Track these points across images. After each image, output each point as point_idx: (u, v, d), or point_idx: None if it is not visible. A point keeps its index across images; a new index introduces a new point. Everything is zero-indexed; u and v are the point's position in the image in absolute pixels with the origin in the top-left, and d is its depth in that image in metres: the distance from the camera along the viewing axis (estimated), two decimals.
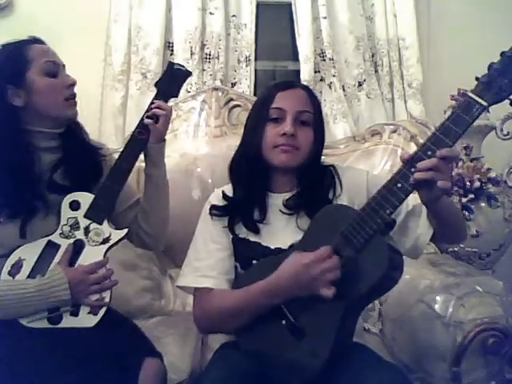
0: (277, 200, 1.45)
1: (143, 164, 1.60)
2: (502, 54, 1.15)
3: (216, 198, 1.51)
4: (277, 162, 1.41)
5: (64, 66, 1.52)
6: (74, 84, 1.51)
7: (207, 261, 1.43)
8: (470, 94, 1.15)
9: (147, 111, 1.56)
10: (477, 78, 1.17)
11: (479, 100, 1.14)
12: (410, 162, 1.19)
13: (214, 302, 1.37)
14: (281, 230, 1.42)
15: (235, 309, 1.34)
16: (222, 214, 1.46)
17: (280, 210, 1.43)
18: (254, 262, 1.40)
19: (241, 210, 1.45)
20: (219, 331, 1.48)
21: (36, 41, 1.50)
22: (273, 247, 1.39)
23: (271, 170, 1.47)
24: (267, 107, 1.43)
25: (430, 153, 1.17)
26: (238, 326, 1.35)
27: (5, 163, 1.41)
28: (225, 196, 1.49)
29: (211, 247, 1.44)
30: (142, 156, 1.57)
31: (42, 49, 1.49)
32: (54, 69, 1.47)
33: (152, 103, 1.57)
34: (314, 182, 1.44)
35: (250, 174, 1.45)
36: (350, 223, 1.23)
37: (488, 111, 2.30)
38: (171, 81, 1.62)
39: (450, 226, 1.37)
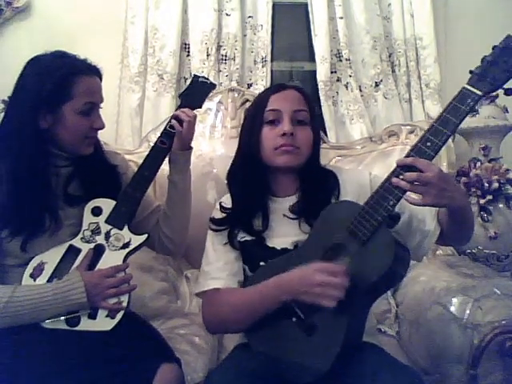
0: (280, 204, 1.46)
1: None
2: (494, 47, 1.20)
3: (228, 201, 1.52)
4: (279, 162, 1.42)
5: (102, 101, 1.51)
6: (100, 129, 1.51)
7: (216, 264, 1.44)
8: (465, 86, 1.20)
9: (170, 121, 1.57)
10: (471, 71, 1.21)
11: (474, 90, 1.19)
12: (411, 154, 1.23)
13: (222, 300, 1.38)
14: (284, 233, 1.42)
15: (243, 304, 1.34)
16: (221, 229, 1.46)
17: (284, 215, 1.44)
18: (262, 263, 1.40)
19: (241, 220, 1.45)
20: (227, 330, 1.47)
21: (89, 71, 1.47)
22: (279, 248, 1.40)
23: (272, 174, 1.47)
24: (262, 110, 1.44)
25: (429, 144, 1.20)
26: (246, 323, 1.35)
27: (21, 180, 1.40)
28: (223, 208, 1.48)
29: (220, 250, 1.46)
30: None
31: (89, 85, 1.46)
32: (90, 110, 1.46)
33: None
34: (317, 184, 1.44)
35: (251, 180, 1.45)
36: (355, 217, 1.24)
37: (507, 111, 2.27)
38: (195, 93, 1.64)
39: (461, 224, 1.36)
